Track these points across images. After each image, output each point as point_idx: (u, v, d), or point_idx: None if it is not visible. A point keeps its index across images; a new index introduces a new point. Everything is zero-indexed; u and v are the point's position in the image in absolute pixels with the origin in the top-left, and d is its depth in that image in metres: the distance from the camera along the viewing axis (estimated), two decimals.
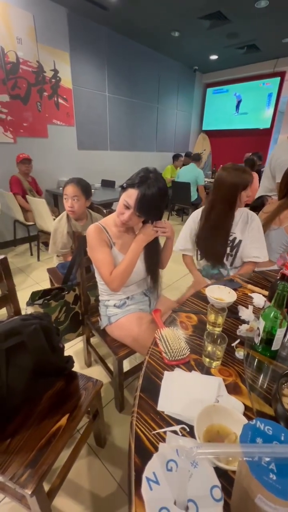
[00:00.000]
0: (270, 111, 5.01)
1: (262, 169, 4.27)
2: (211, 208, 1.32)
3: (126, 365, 1.52)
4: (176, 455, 0.37)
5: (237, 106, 5.53)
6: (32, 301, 1.21)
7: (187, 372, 0.64)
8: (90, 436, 1.09)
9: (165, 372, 0.64)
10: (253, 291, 1.03)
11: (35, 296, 1.23)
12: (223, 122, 5.82)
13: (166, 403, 0.56)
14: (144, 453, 0.47)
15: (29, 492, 0.66)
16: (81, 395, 0.91)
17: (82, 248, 1.23)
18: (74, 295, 1.34)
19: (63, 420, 0.83)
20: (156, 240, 1.09)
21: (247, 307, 0.91)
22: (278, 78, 4.73)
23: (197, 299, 0.97)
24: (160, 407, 0.55)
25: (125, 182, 0.97)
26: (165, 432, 0.50)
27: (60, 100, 3.38)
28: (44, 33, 3.03)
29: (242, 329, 0.79)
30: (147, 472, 0.36)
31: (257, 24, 3.35)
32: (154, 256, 1.11)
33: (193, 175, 4.13)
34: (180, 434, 0.50)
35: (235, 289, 0.99)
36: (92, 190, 1.71)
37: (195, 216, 1.42)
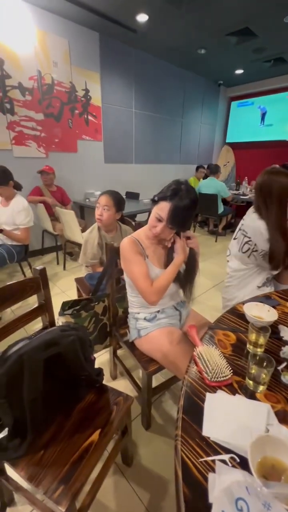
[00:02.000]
0: None
1: None
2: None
3: (153, 381, 1.49)
4: (245, 492, 0.34)
5: (262, 118, 5.47)
6: (63, 311, 1.23)
7: (232, 396, 0.61)
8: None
9: (207, 394, 0.61)
10: None
11: (65, 306, 1.25)
12: (247, 134, 5.77)
13: (212, 428, 0.53)
14: (193, 482, 0.44)
15: (63, 510, 0.65)
16: (112, 410, 0.90)
17: (114, 260, 1.24)
18: (103, 306, 1.35)
19: (95, 435, 0.82)
20: (192, 250, 1.09)
21: None
22: None
23: (234, 316, 0.93)
24: (206, 432, 0.52)
25: (156, 195, 0.98)
26: (213, 461, 0.47)
27: (90, 117, 3.55)
28: (78, 56, 3.23)
29: (286, 351, 0.74)
30: (216, 511, 0.33)
31: (285, 37, 3.34)
32: (193, 265, 1.11)
33: (213, 188, 4.05)
34: (230, 465, 0.46)
35: (273, 307, 0.94)
36: None
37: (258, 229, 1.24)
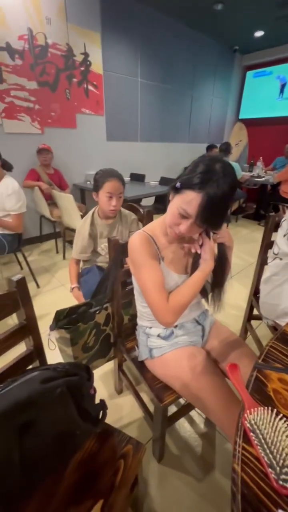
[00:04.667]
0: None
1: None
2: None
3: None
4: None
5: (281, 90, 4.94)
6: (56, 322, 0.99)
7: None
8: None
9: None
10: None
11: (60, 316, 1.01)
12: (263, 109, 5.25)
13: None
14: None
15: None
16: (119, 468, 0.67)
17: (118, 260, 0.98)
18: (106, 315, 1.10)
19: (96, 510, 0.60)
20: (222, 246, 0.81)
21: None
22: None
23: (284, 344, 0.68)
24: None
25: (179, 181, 0.68)
26: None
27: (90, 87, 3.14)
28: (75, 12, 2.78)
29: None
30: None
31: None
32: (223, 265, 0.83)
33: None
34: None
35: None
36: None
37: None
